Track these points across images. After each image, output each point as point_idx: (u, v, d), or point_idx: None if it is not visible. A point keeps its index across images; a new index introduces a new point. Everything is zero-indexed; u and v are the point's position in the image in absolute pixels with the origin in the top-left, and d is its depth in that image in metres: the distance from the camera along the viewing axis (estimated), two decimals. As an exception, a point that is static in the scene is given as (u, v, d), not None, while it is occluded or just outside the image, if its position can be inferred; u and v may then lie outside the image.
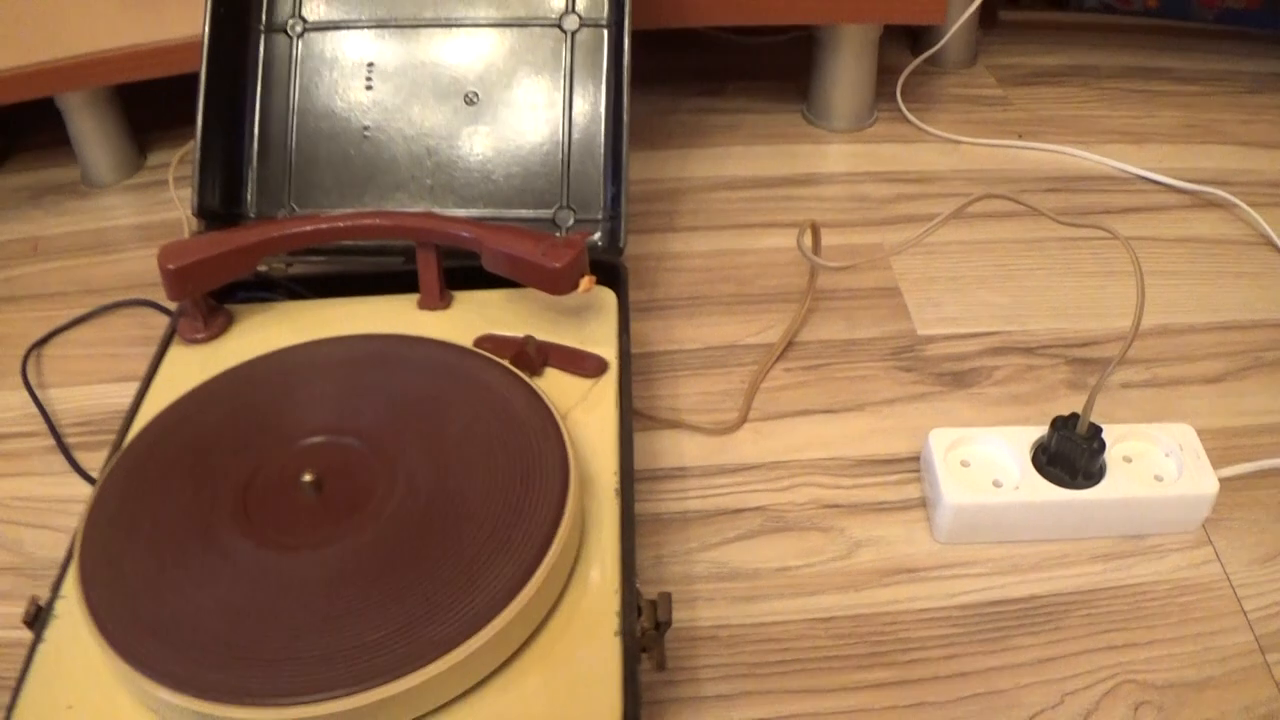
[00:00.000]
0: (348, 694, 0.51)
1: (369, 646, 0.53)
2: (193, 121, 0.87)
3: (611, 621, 0.56)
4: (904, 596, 0.70)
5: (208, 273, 0.75)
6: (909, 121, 1.17)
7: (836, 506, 0.76)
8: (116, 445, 0.69)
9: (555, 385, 0.69)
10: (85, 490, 0.81)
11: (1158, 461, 0.74)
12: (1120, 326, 0.90)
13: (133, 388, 0.89)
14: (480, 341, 0.72)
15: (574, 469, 0.60)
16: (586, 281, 0.70)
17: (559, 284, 0.70)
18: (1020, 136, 1.15)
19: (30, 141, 1.26)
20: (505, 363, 0.67)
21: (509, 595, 0.54)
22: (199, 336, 0.76)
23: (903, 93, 1.22)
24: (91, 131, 1.14)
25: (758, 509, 0.76)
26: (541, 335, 0.73)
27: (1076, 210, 1.03)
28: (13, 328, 0.98)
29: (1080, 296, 0.94)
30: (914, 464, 0.79)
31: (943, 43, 1.24)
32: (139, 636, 0.54)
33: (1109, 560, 0.72)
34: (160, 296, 0.98)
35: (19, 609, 0.72)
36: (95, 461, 0.83)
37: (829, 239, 0.98)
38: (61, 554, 0.76)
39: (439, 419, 0.64)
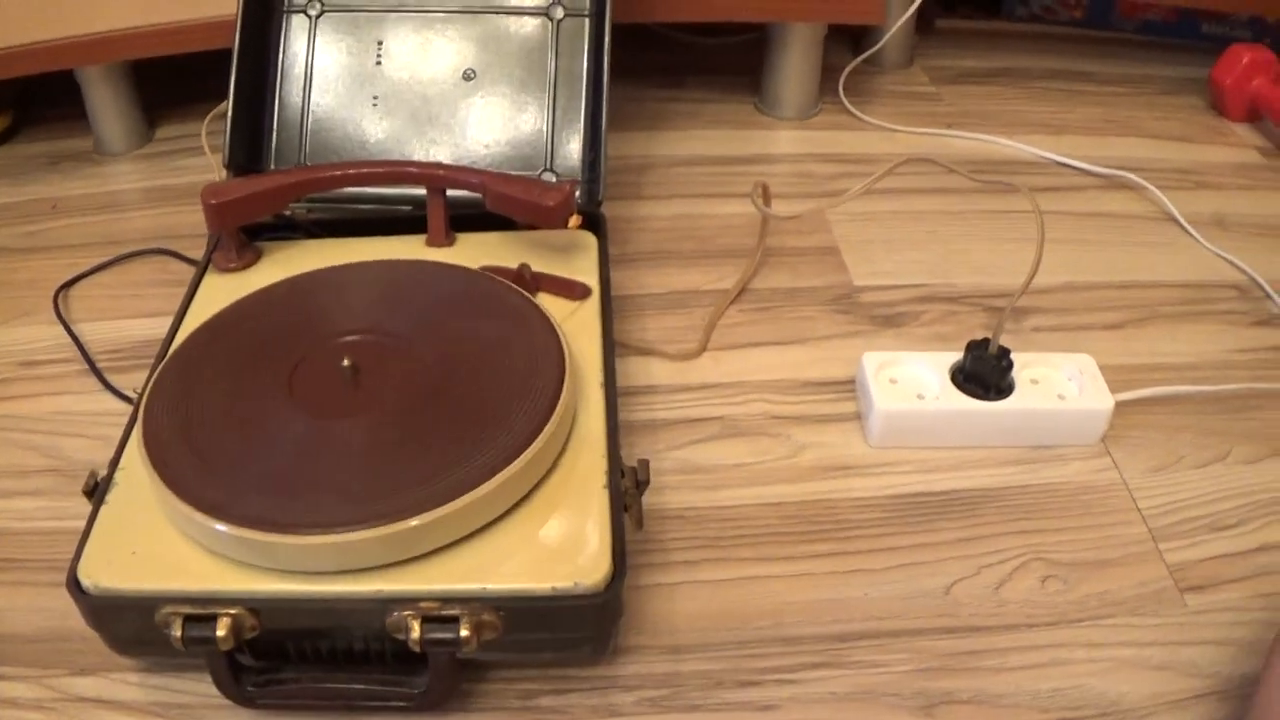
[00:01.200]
0: (381, 524, 0.61)
1: (400, 487, 0.64)
2: (200, 98, 0.98)
3: (600, 478, 0.68)
4: (842, 488, 0.81)
5: (243, 209, 0.86)
6: (850, 113, 1.30)
7: (783, 418, 0.87)
8: (162, 354, 0.79)
9: (546, 305, 0.81)
10: (118, 405, 0.90)
11: (1060, 384, 0.85)
12: (1033, 284, 1.01)
13: (157, 322, 0.99)
14: (484, 269, 0.84)
15: (569, 358, 0.72)
16: (574, 220, 0.83)
17: (552, 218, 0.82)
18: (950, 126, 1.28)
19: (45, 113, 1.35)
20: (514, 285, 0.79)
21: (521, 447, 0.66)
22: (233, 265, 0.87)
23: (844, 88, 1.35)
24: (107, 104, 1.24)
25: (716, 419, 0.87)
26: (536, 263, 0.85)
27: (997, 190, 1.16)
28: (40, 273, 1.07)
29: (997, 258, 1.06)
30: (849, 386, 0.90)
31: (882, 43, 1.37)
32: (196, 480, 0.64)
33: (1019, 465, 0.83)
34: (179, 246, 1.09)
35: (63, 503, 0.82)
36: (124, 382, 0.92)
37: (778, 207, 1.11)
38: (97, 457, 0.85)
39: (457, 319, 0.76)
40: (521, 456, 0.65)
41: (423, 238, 0.88)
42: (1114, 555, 0.76)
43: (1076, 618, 0.72)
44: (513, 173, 0.97)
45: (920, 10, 1.34)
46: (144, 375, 0.88)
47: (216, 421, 0.68)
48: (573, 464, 0.69)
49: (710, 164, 1.20)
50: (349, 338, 0.75)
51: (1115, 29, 1.49)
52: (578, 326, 0.78)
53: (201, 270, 0.88)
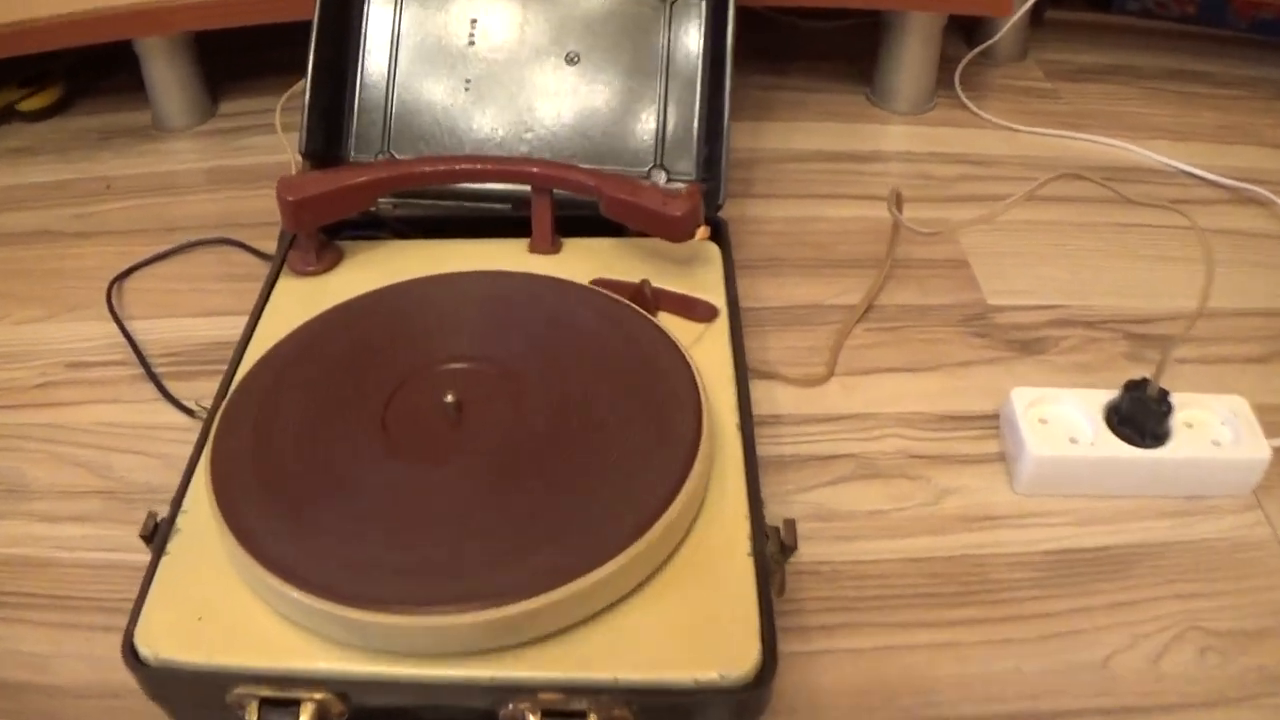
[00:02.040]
0: (490, 606, 0.52)
1: (513, 557, 0.54)
2: (267, 71, 0.89)
3: (743, 544, 0.59)
4: (989, 542, 0.73)
5: (325, 207, 0.77)
6: (966, 108, 1.20)
7: (922, 457, 0.79)
8: (231, 370, 0.70)
9: (669, 327, 0.71)
10: (177, 419, 0.82)
11: (1215, 429, 0.76)
12: (1173, 306, 0.92)
13: (221, 322, 0.91)
14: (594, 284, 0.74)
15: (705, 399, 0.62)
16: (702, 231, 0.73)
17: (677, 231, 0.72)
18: (1072, 128, 1.18)
19: (99, 84, 1.27)
20: (636, 306, 0.70)
21: (656, 511, 0.56)
22: (311, 269, 0.78)
23: (960, 81, 1.24)
24: (167, 76, 1.16)
25: (849, 456, 0.78)
26: (653, 277, 0.75)
27: (1129, 196, 1.06)
28: (92, 261, 0.99)
29: (1135, 277, 0.96)
30: (991, 421, 0.81)
31: (999, 35, 1.27)
32: (274, 535, 0.55)
33: (1173, 518, 0.74)
34: (245, 235, 1.00)
35: (114, 532, 0.74)
36: (184, 391, 0.84)
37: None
38: (153, 479, 0.77)
39: (574, 347, 0.66)
40: (658, 523, 0.55)
41: (524, 242, 0.79)
42: (1272, 623, 0.68)
43: (1236, 696, 0.64)
44: (621, 171, 0.87)
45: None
46: (205, 384, 0.82)
47: (298, 462, 0.60)
48: (710, 526, 0.60)
49: (821, 160, 1.11)
50: (450, 365, 0.66)
51: (1229, 26, 1.37)
52: (705, 355, 0.69)
53: (275, 272, 0.79)
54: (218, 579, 0.56)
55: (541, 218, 0.77)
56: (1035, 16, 1.34)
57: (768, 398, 0.82)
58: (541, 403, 0.63)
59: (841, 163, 1.10)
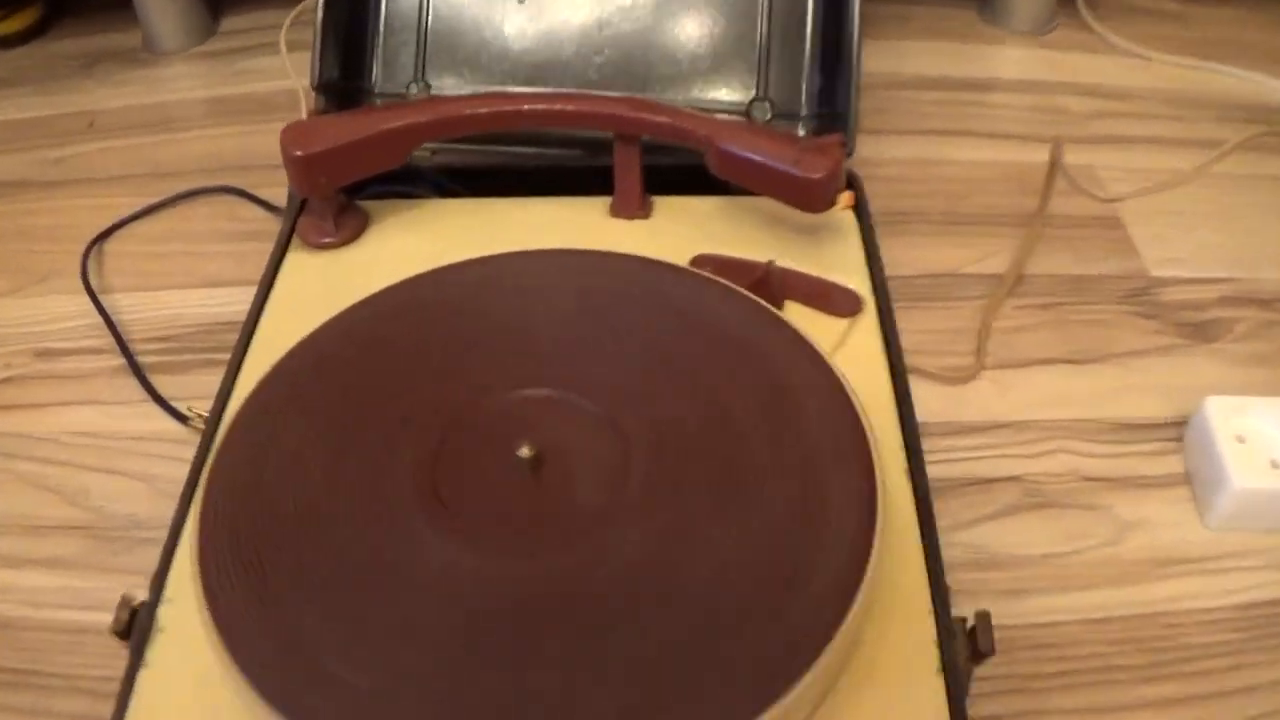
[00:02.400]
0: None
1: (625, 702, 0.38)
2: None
3: (930, 654, 0.43)
4: (1180, 593, 0.59)
5: (345, 163, 0.60)
6: (1092, 30, 1.03)
7: (1097, 480, 0.64)
8: (229, 380, 0.54)
9: (808, 330, 0.54)
10: (166, 424, 0.67)
11: None
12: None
13: (221, 295, 0.75)
14: (698, 262, 0.58)
15: (877, 459, 0.45)
16: (846, 197, 0.56)
17: (815, 199, 0.55)
18: (1206, 58, 1.01)
19: (82, 3, 1.09)
20: (764, 303, 0.52)
21: (830, 626, 0.39)
22: (328, 240, 0.62)
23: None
24: (156, -9, 0.98)
25: (1012, 479, 0.63)
26: (770, 256, 0.59)
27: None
28: (68, 217, 0.83)
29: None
30: (1171, 430, 0.66)
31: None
32: (293, 676, 0.39)
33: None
34: (251, 182, 0.83)
35: (94, 583, 0.59)
36: (177, 388, 0.68)
37: (1029, 153, 0.84)
38: (139, 510, 0.62)
39: (686, 367, 0.49)
40: (830, 646, 0.38)
41: (603, 202, 0.63)
42: None
43: None
44: (714, 106, 0.69)
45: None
46: (203, 378, 0.68)
47: (316, 543, 0.43)
48: (884, 627, 0.44)
49: (937, 88, 0.94)
50: (518, 394, 0.48)
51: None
52: (852, 367, 0.51)
53: (283, 244, 0.62)
54: (212, 700, 0.41)
55: (628, 173, 0.61)
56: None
57: (906, 400, 0.65)
58: (646, 454, 0.46)
59: (960, 91, 0.93)
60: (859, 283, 0.57)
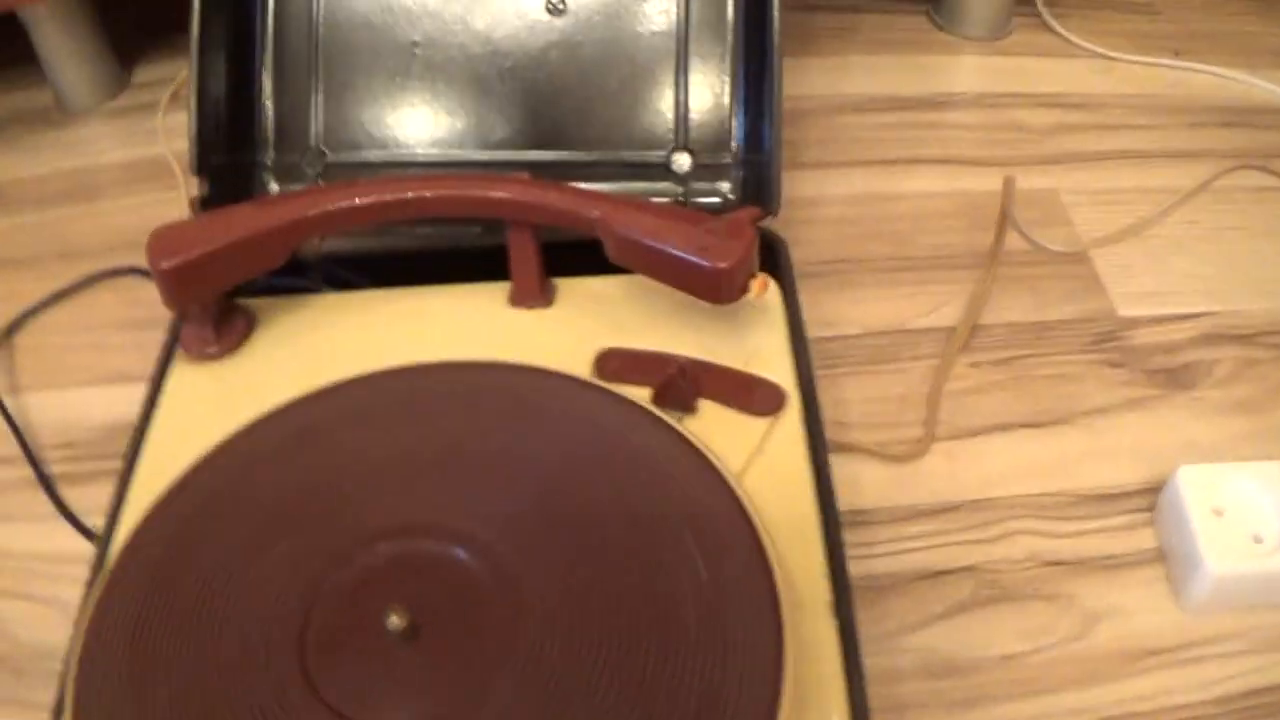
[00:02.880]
0: None
1: None
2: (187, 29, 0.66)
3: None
4: (1153, 690, 0.54)
5: (219, 268, 0.55)
6: (1052, 30, 0.97)
7: (1060, 564, 0.59)
8: (115, 508, 0.50)
9: (717, 430, 0.50)
10: (79, 545, 0.61)
11: None
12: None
13: (124, 394, 0.69)
14: (604, 361, 0.52)
15: (785, 602, 0.40)
16: (759, 284, 0.50)
17: (720, 289, 0.50)
18: (1176, 54, 0.95)
19: (-7, 59, 1.04)
20: (669, 419, 0.47)
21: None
22: (211, 351, 0.56)
23: (1042, -6, 1.00)
24: (63, 45, 0.93)
25: (966, 569, 0.58)
26: (683, 346, 0.54)
27: (1262, 152, 0.83)
28: None
29: (1280, 268, 0.74)
30: (1143, 499, 0.61)
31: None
32: None
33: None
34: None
35: (11, 720, 0.54)
36: (86, 501, 0.63)
37: (985, 180, 0.78)
38: (53, 636, 0.57)
39: (581, 515, 0.44)
40: None
41: (504, 288, 0.58)
42: None
43: None
44: (625, 155, 0.65)
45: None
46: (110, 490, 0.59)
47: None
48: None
49: (884, 109, 0.87)
50: (389, 545, 0.43)
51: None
52: (769, 475, 0.47)
53: (165, 357, 0.57)
54: None
55: (523, 259, 0.55)
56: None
57: (849, 482, 0.61)
58: (540, 619, 0.41)
59: (909, 110, 0.87)
60: (782, 373, 0.52)
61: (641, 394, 0.51)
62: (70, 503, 0.64)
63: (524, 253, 0.55)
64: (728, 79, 0.66)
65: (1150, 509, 0.60)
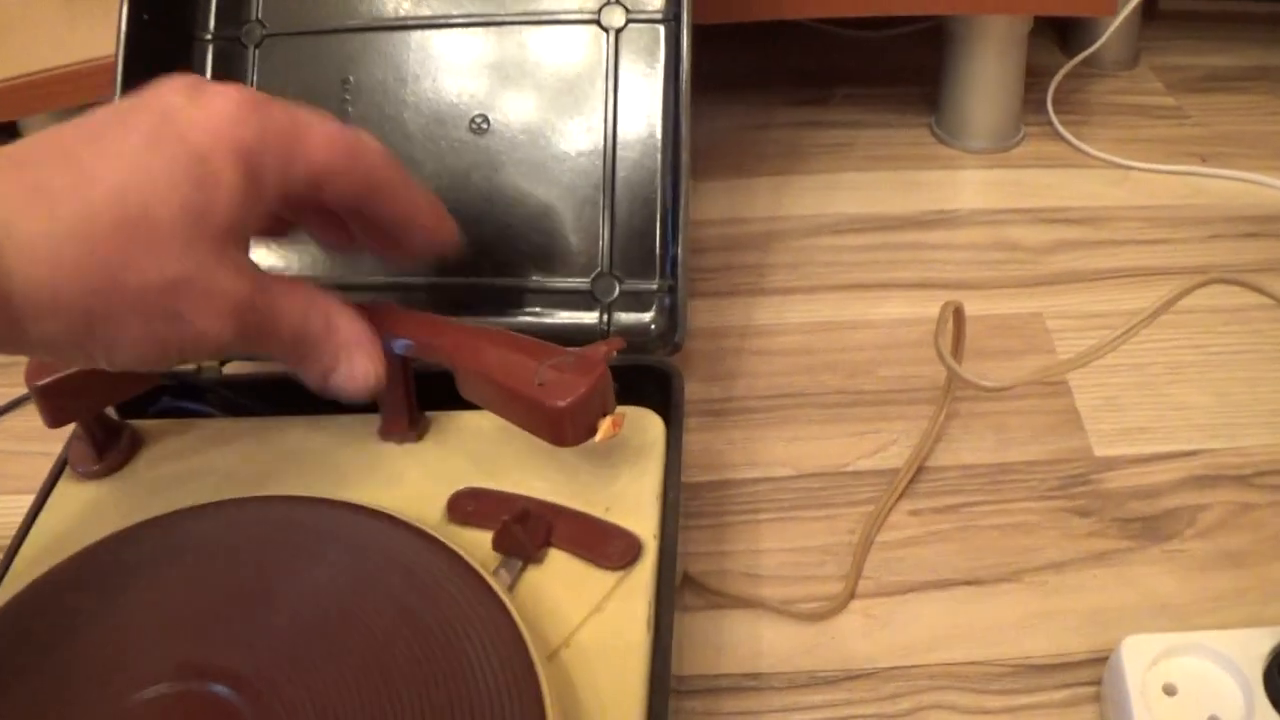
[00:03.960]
0: None
1: None
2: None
3: None
4: None
5: (98, 387, 0.53)
6: (1064, 139, 0.91)
7: None
8: None
9: (561, 581, 0.46)
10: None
11: None
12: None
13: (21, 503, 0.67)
14: (459, 501, 0.48)
15: None
16: (607, 426, 0.45)
17: (561, 431, 0.45)
18: (1203, 160, 0.88)
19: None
20: (477, 565, 0.43)
21: None
22: (91, 469, 0.55)
23: (1054, 101, 0.94)
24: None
25: (867, 753, 0.51)
26: (547, 487, 0.49)
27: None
28: None
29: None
30: (1090, 670, 0.54)
31: (1104, 39, 0.96)
32: None
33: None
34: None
35: None
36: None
37: (970, 305, 0.73)
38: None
39: (353, 662, 0.39)
40: None
41: (376, 420, 0.54)
42: None
43: None
44: (553, 282, 0.62)
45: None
46: None
47: None
48: None
49: (868, 229, 0.82)
50: (157, 688, 0.40)
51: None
52: (607, 635, 0.43)
53: (56, 470, 0.56)
54: None
55: (391, 389, 0.51)
56: (1148, 7, 1.02)
57: (749, 641, 0.56)
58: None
59: (893, 231, 0.82)
60: (645, 522, 0.47)
61: (487, 538, 0.46)
62: None
63: (392, 383, 0.51)
64: (655, 202, 0.62)
65: (1097, 682, 0.53)
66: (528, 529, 0.46)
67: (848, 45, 1.05)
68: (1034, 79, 0.93)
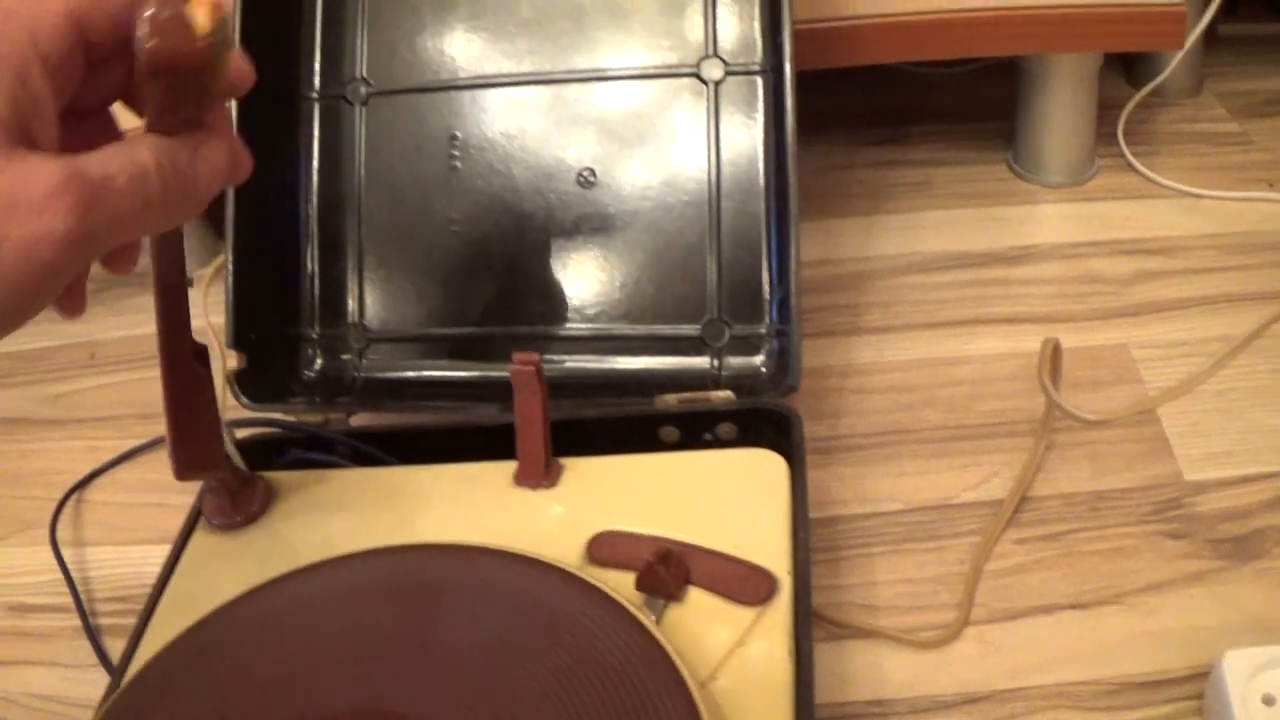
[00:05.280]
0: None
1: None
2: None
3: None
4: None
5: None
6: (1135, 170, 0.93)
7: None
8: (121, 668, 0.51)
9: (702, 618, 0.48)
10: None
11: None
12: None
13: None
14: (596, 544, 0.51)
15: None
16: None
17: None
18: (1271, 185, 0.91)
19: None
20: (626, 603, 0.46)
21: None
22: (229, 521, 0.57)
23: (1124, 133, 0.96)
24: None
25: (986, 768, 0.54)
26: (681, 529, 0.52)
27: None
28: (57, 460, 0.82)
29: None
30: (1192, 685, 0.56)
31: (1169, 70, 0.98)
32: None
33: None
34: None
35: None
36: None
37: (1058, 338, 0.75)
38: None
39: (521, 702, 0.43)
40: None
41: (511, 467, 0.57)
42: None
43: None
44: (660, 329, 0.65)
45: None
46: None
47: None
48: None
49: (954, 266, 0.85)
50: None
51: None
52: (750, 669, 0.46)
53: (190, 524, 0.59)
54: None
55: (529, 433, 0.55)
56: (1209, 34, 1.04)
57: (869, 671, 0.59)
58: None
59: (981, 268, 0.85)
60: (778, 558, 0.50)
61: (629, 579, 0.49)
62: (114, 655, 0.66)
63: (530, 432, 0.55)
64: (760, 248, 0.65)
65: (1198, 696, 0.56)
66: (670, 569, 0.49)
67: (921, 82, 1.08)
68: (1103, 111, 0.95)
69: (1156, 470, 0.68)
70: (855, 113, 1.04)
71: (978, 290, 0.82)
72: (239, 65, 0.39)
